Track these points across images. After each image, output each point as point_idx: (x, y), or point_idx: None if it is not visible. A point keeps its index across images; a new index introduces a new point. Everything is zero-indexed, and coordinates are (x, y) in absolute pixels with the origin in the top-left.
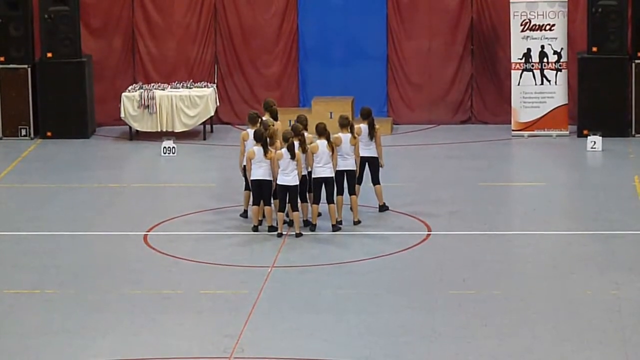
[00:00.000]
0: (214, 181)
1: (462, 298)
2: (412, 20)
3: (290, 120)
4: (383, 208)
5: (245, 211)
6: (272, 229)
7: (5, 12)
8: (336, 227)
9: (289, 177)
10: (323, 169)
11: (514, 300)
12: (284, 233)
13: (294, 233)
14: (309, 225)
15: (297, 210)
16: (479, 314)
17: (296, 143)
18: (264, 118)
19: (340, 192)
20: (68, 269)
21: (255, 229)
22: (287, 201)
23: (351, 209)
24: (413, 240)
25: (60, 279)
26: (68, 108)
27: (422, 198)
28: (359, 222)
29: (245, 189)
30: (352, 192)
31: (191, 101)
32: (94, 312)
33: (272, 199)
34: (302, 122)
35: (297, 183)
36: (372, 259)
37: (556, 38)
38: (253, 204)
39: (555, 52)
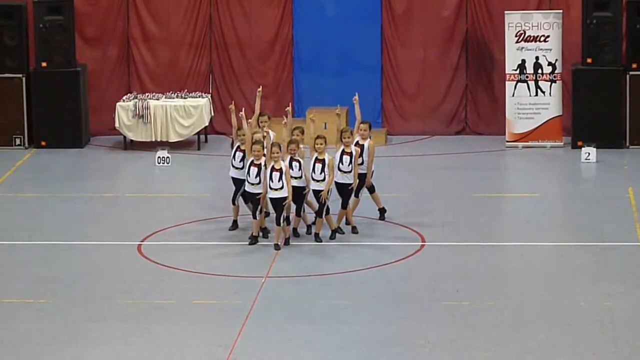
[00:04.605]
0: (208, 191)
1: (455, 309)
2: (406, 31)
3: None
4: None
5: (235, 221)
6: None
7: None
8: (333, 235)
9: (277, 190)
10: (318, 184)
11: (507, 312)
12: (279, 244)
13: (273, 244)
14: (298, 235)
15: (279, 225)
16: (472, 324)
17: (287, 157)
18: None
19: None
20: (61, 279)
21: (253, 239)
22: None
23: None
24: (407, 251)
25: (53, 289)
26: (62, 117)
27: (416, 209)
28: (339, 230)
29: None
30: (344, 206)
31: (186, 111)
32: (87, 322)
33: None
34: (299, 134)
35: (286, 195)
36: (366, 269)
37: (551, 49)
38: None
39: (549, 64)
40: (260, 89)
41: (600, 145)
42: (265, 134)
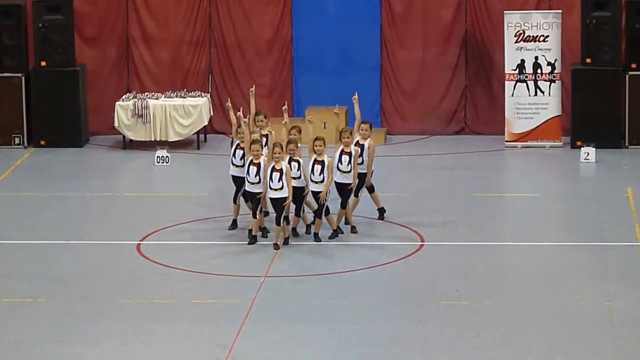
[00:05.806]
0: (207, 190)
1: (454, 308)
2: (406, 31)
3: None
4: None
5: (234, 221)
6: (253, 238)
7: None
8: (333, 234)
9: (277, 190)
10: (317, 185)
11: (506, 311)
12: (278, 243)
13: (272, 243)
14: (297, 235)
15: (279, 225)
16: (471, 324)
17: (286, 157)
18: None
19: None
20: (60, 278)
21: (252, 239)
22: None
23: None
24: (406, 251)
25: (52, 288)
26: (62, 117)
27: (415, 208)
28: (339, 230)
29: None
30: (343, 206)
31: (185, 110)
32: (86, 321)
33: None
34: (296, 134)
35: (286, 195)
36: (365, 269)
37: (550, 49)
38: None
39: (549, 63)
40: (253, 88)
41: (600, 145)
42: (268, 133)
